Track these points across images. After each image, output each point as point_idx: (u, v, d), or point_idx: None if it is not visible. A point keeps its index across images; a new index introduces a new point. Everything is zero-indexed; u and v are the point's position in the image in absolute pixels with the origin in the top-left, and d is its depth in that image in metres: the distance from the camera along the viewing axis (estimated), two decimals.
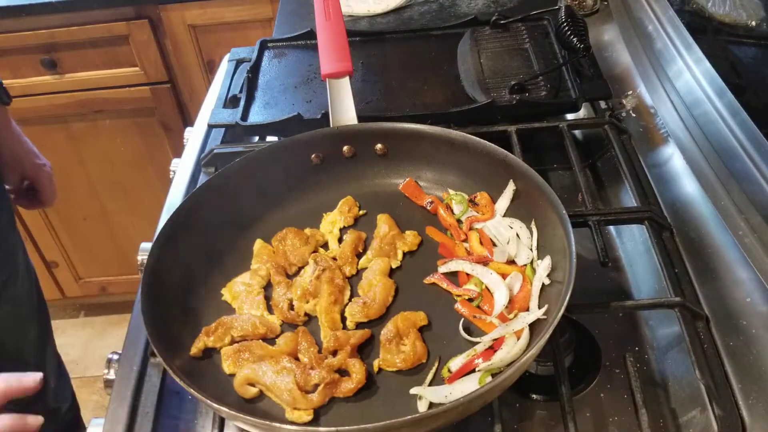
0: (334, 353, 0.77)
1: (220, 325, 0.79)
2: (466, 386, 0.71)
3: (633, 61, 1.18)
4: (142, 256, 0.96)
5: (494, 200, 0.90)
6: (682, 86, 1.01)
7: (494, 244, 0.87)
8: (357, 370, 0.73)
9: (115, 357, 0.86)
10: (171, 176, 1.14)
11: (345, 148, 0.97)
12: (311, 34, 1.29)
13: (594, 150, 1.09)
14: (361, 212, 0.96)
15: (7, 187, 1.37)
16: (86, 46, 1.89)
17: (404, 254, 0.89)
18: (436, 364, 0.76)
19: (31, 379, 0.76)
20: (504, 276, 0.82)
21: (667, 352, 0.80)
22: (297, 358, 0.77)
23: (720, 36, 1.03)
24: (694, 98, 0.97)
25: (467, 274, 0.84)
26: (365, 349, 0.79)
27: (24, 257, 1.42)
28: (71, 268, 2.34)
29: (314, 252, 0.90)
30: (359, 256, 0.90)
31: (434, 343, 0.78)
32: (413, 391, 0.72)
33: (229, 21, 1.88)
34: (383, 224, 0.91)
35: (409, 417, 0.62)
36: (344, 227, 0.94)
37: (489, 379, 0.71)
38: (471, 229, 0.89)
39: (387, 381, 0.75)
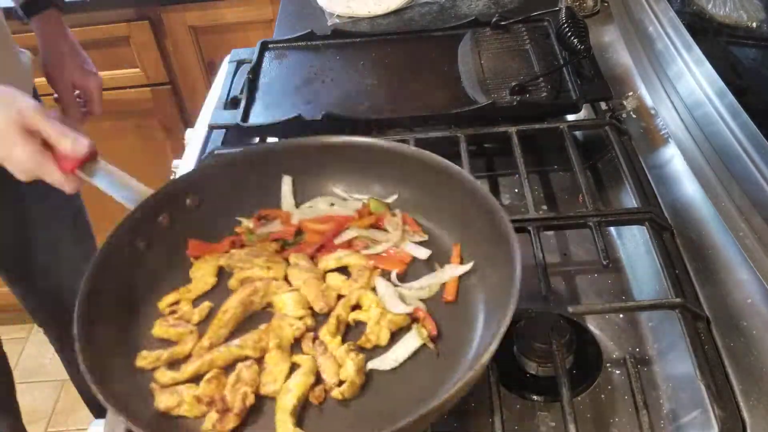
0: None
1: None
2: (409, 344, 0.73)
3: (633, 63, 1.18)
4: None
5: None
6: (682, 87, 1.01)
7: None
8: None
9: None
10: (172, 177, 1.14)
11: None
12: (312, 36, 1.29)
13: (594, 151, 1.09)
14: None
15: (55, 95, 1.44)
16: (87, 47, 1.87)
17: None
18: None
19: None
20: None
21: (667, 353, 0.80)
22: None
23: (721, 37, 1.03)
24: (694, 99, 0.97)
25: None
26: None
27: None
28: None
29: None
30: None
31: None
32: (370, 366, 0.73)
33: (229, 22, 1.88)
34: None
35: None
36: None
37: (425, 333, 0.74)
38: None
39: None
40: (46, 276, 1.56)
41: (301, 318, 0.78)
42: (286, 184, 0.92)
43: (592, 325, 0.84)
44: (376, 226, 0.88)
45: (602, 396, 0.78)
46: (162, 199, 0.86)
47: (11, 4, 1.43)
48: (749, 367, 0.73)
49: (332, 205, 0.92)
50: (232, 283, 0.83)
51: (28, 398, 2.33)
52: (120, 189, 0.84)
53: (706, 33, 1.03)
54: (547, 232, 0.93)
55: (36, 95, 1.44)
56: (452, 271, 0.81)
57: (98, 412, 0.74)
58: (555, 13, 1.23)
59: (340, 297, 0.81)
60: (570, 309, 0.80)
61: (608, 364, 0.81)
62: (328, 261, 0.85)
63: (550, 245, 0.96)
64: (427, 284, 0.81)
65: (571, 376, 0.74)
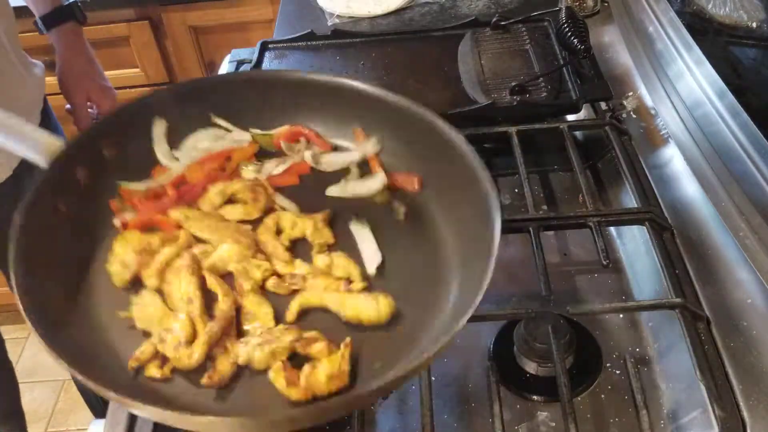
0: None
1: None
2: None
3: (633, 63, 1.18)
4: None
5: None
6: (682, 87, 1.01)
7: None
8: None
9: None
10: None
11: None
12: (312, 36, 1.29)
13: (595, 151, 1.09)
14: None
15: (67, 106, 1.43)
16: None
17: None
18: None
19: None
20: None
21: (667, 353, 0.80)
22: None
23: (720, 37, 1.03)
24: (694, 99, 0.97)
25: None
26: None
27: None
28: None
29: None
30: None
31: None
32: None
33: (229, 22, 1.88)
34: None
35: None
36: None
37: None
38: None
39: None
40: None
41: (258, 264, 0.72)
42: (158, 128, 0.80)
43: (592, 325, 0.84)
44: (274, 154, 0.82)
45: (602, 396, 0.78)
46: (75, 151, 0.73)
47: (23, 4, 1.43)
48: (749, 367, 0.73)
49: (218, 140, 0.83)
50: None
51: (28, 398, 2.33)
52: (19, 141, 0.70)
53: (706, 33, 1.03)
54: (547, 232, 0.93)
55: (47, 106, 1.44)
56: (361, 149, 0.79)
57: (98, 412, 0.73)
58: (555, 13, 1.23)
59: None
60: (570, 309, 0.80)
61: (608, 364, 0.81)
62: (213, 198, 0.77)
63: (550, 245, 0.96)
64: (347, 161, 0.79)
65: (571, 376, 0.74)
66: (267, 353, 0.64)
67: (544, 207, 1.04)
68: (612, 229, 0.99)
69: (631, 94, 1.14)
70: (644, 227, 0.89)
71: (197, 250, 0.73)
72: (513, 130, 1.03)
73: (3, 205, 1.33)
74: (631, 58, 1.19)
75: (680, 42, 1.03)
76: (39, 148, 0.70)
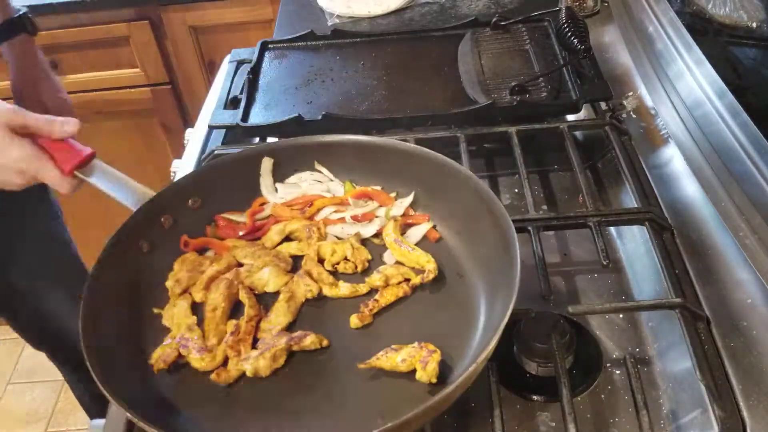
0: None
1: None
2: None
3: (633, 63, 1.18)
4: None
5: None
6: (682, 87, 1.01)
7: None
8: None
9: None
10: (172, 177, 1.14)
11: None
12: (312, 36, 1.29)
13: (595, 151, 1.09)
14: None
15: None
16: (87, 48, 1.89)
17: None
18: None
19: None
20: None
21: (667, 353, 0.80)
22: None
23: (720, 37, 1.03)
24: (694, 99, 0.97)
25: None
26: None
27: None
28: None
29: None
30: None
31: None
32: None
33: (229, 22, 1.88)
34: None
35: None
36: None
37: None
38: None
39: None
40: (26, 302, 1.51)
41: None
42: (265, 163, 0.93)
43: (592, 325, 0.84)
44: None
45: (602, 396, 0.78)
46: (164, 200, 0.87)
47: None
48: (749, 367, 0.73)
49: (319, 182, 0.93)
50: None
51: (28, 398, 2.33)
52: (120, 189, 0.85)
53: (706, 33, 1.03)
54: (547, 232, 0.93)
55: None
56: (400, 208, 0.89)
57: (93, 415, 0.75)
58: (555, 13, 1.23)
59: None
60: (570, 309, 0.80)
61: (608, 364, 0.81)
62: (273, 236, 0.87)
63: (550, 245, 0.96)
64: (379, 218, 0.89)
65: (571, 376, 0.74)
66: (268, 359, 0.72)
67: (544, 207, 1.04)
68: (612, 229, 0.99)
69: (631, 94, 1.14)
70: (644, 227, 0.89)
71: (243, 270, 0.82)
72: (513, 130, 1.03)
73: None
74: (631, 58, 1.19)
75: (680, 42, 1.03)
76: (134, 196, 0.85)
